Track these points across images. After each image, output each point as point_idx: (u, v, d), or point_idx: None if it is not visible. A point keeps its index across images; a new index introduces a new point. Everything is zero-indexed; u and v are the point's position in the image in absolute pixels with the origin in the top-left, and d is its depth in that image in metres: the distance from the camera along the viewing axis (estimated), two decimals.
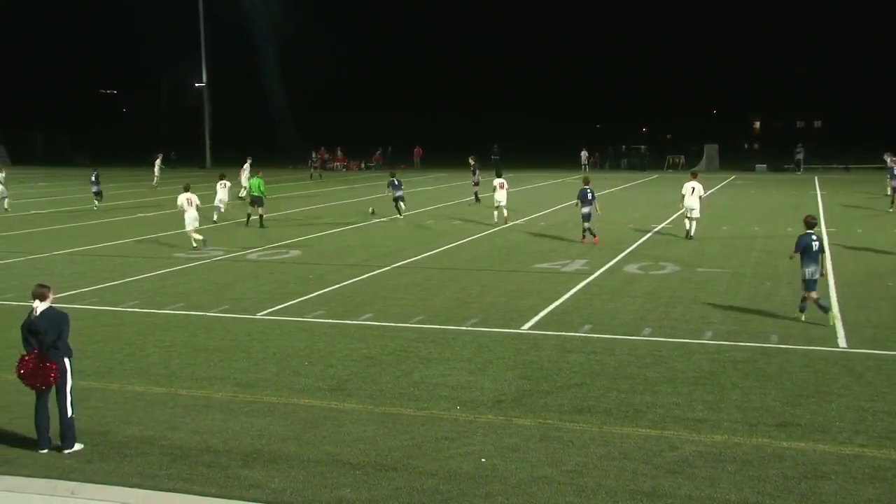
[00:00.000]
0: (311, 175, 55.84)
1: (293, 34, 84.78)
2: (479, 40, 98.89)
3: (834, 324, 13.23)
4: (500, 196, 27.98)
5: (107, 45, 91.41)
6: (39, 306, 8.47)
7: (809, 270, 13.32)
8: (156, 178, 46.87)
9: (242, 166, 37.08)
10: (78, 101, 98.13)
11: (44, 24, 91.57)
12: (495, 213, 28.32)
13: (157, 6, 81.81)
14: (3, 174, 35.71)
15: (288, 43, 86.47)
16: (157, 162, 47.67)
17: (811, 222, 13.72)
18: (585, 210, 23.07)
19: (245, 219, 28.00)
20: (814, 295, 13.39)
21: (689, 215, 23.60)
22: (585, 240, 22.91)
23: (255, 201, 27.40)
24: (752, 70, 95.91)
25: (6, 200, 34.22)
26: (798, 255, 13.43)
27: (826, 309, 13.38)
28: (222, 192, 30.11)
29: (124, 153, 73.39)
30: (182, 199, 22.86)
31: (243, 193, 34.53)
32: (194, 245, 22.52)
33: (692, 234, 23.60)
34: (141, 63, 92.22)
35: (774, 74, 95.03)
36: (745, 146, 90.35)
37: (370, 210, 31.02)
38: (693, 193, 23.43)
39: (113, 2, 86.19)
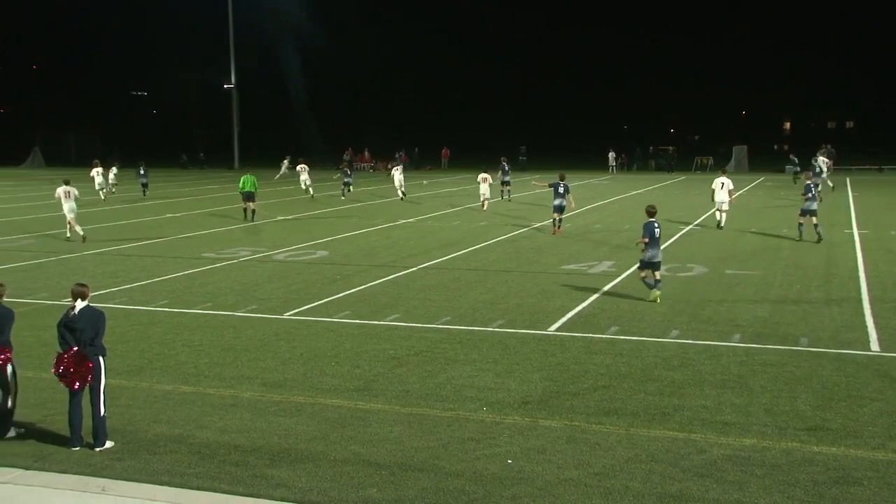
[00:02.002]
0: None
1: (315, 35, 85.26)
2: (505, 42, 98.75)
3: (653, 300, 14.93)
4: (485, 188, 32.29)
5: (136, 47, 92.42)
6: (79, 305, 8.60)
7: (652, 253, 15.16)
8: (280, 175, 53.71)
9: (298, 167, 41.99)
10: (108, 102, 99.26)
11: (74, 27, 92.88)
12: (484, 203, 32.41)
13: (186, 9, 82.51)
14: (115, 170, 43.52)
15: (309, 44, 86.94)
16: (286, 162, 55.11)
17: (652, 211, 15.49)
18: (557, 202, 25.08)
19: (243, 215, 30.15)
20: (657, 275, 15.25)
21: (719, 208, 25.73)
22: (559, 230, 25.22)
23: (248, 196, 29.82)
24: (782, 70, 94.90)
25: (103, 191, 39.35)
26: (645, 241, 15.14)
27: (651, 287, 15.22)
28: (304, 174, 39.73)
29: (155, 153, 74.17)
30: (60, 191, 24.95)
31: (305, 189, 40.31)
32: (68, 235, 24.67)
33: (722, 224, 25.72)
34: (169, 64, 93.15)
35: (805, 75, 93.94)
36: (775, 147, 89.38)
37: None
38: (723, 188, 25.57)
39: (141, 5, 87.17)
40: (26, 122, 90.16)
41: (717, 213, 25.93)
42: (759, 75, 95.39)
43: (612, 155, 61.30)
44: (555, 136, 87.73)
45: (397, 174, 38.96)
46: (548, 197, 39.00)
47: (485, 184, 32.35)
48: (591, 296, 15.79)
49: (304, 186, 39.87)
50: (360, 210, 34.01)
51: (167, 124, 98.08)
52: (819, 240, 22.48)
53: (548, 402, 9.82)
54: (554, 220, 25.35)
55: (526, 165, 64.51)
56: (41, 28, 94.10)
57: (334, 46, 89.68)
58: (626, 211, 32.13)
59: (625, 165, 65.18)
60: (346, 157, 61.29)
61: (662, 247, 22.12)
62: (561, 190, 25.02)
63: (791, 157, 52.13)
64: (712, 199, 26.01)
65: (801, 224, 23.14)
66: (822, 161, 39.35)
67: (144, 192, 41.41)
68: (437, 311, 14.66)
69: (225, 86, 70.89)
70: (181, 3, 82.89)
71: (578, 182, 49.30)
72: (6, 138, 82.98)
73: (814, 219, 22.71)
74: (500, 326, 13.50)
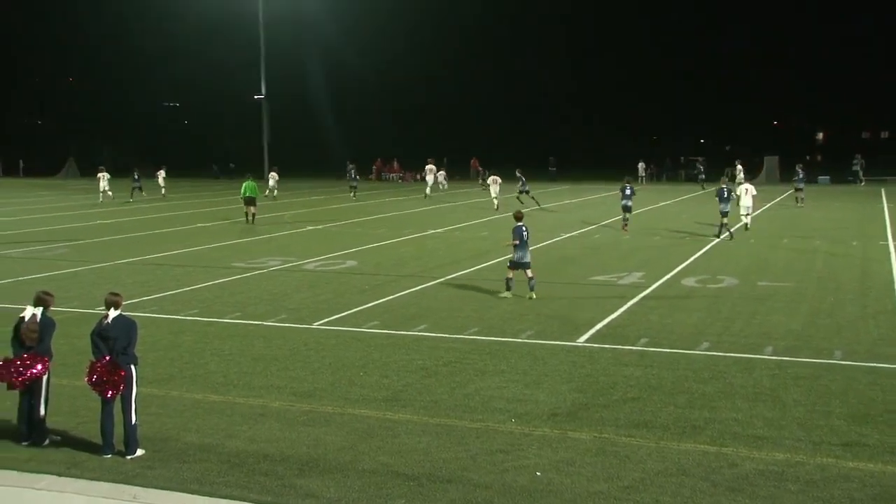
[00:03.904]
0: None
1: (343, 47, 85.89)
2: (530, 54, 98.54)
3: (503, 297, 16.47)
4: (495, 190, 36.85)
5: (165, 56, 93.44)
6: (112, 314, 8.70)
7: (520, 255, 16.64)
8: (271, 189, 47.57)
9: (269, 173, 48.36)
10: (140, 113, 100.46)
11: (105, 38, 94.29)
12: (494, 201, 36.73)
13: (215, 20, 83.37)
14: (164, 173, 48.81)
15: (337, 56, 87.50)
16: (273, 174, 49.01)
17: (519, 216, 17.08)
18: (623, 202, 28.70)
19: (244, 217, 32.59)
20: (509, 273, 16.75)
21: (744, 213, 27.74)
22: (625, 228, 28.33)
23: (249, 202, 32.30)
24: (815, 80, 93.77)
25: (106, 193, 44.03)
26: (517, 243, 16.56)
27: (509, 287, 16.66)
28: (272, 181, 46.01)
29: (186, 163, 74.99)
30: None
31: (266, 192, 45.27)
32: None
33: (748, 226, 27.97)
34: (199, 75, 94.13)
35: (838, 84, 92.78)
36: (808, 158, 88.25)
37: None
38: (747, 193, 27.78)
39: (170, 13, 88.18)
40: (61, 133, 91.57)
41: (743, 218, 27.80)
42: (792, 85, 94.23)
43: (641, 165, 60.77)
44: (583, 147, 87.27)
45: (430, 175, 45.91)
46: (577, 207, 39.10)
47: (495, 185, 36.69)
48: (620, 307, 15.70)
49: (267, 191, 45.56)
50: (389, 220, 34.11)
51: (199, 135, 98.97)
52: (719, 234, 26.04)
53: (577, 414, 9.77)
54: (623, 218, 28.73)
55: (556, 177, 64.26)
56: (74, 41, 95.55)
57: (363, 58, 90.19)
58: (656, 222, 31.92)
59: (654, 176, 64.70)
60: (349, 164, 62.36)
61: (692, 258, 22.29)
62: (628, 192, 28.66)
63: (697, 164, 57.50)
64: (738, 204, 27.52)
65: (723, 225, 26.04)
66: (739, 169, 45.79)
67: (133, 194, 45.95)
68: (466, 321, 14.65)
69: (255, 97, 71.44)
70: (212, 16, 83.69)
71: (606, 193, 49.11)
72: (42, 150, 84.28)
73: (725, 219, 25.91)
74: (528, 337, 13.47)
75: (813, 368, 11.52)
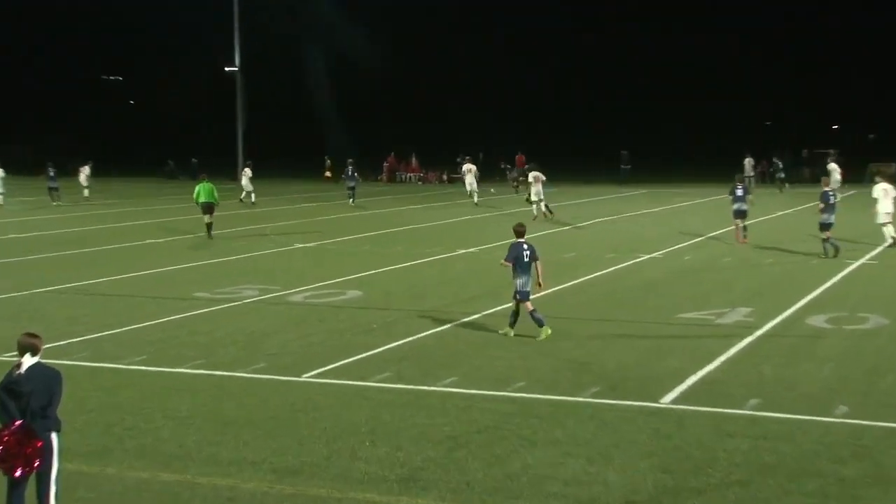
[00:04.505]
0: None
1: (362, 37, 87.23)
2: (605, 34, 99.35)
3: (545, 338, 16.46)
4: (537, 189, 38.01)
5: (105, 13, 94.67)
6: (27, 362, 8.67)
7: (521, 281, 16.84)
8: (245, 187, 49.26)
9: (243, 170, 50.65)
10: (72, 91, 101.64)
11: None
12: (534, 207, 38.04)
13: None
14: (88, 170, 51.75)
15: (346, 42, 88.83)
16: (247, 171, 50.07)
17: (520, 231, 17.34)
18: (736, 206, 29.84)
19: (206, 231, 33.33)
20: (529, 306, 16.85)
21: (883, 220, 28.38)
22: (744, 239, 29.60)
23: (206, 208, 33.45)
24: None
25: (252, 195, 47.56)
26: (510, 265, 16.91)
27: (541, 322, 16.74)
28: (245, 179, 47.89)
29: (131, 156, 75.80)
30: None
31: (243, 196, 48.18)
32: None
33: None
34: (151, 39, 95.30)
35: None
36: None
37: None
38: (887, 196, 28.17)
39: None
40: None
41: (886, 230, 28.33)
42: None
43: (748, 161, 60.02)
44: (674, 138, 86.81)
45: (468, 176, 47.43)
46: (661, 218, 38.93)
47: (537, 184, 38.07)
48: (720, 355, 15.58)
49: (243, 194, 48.13)
50: (405, 235, 34.17)
51: (150, 119, 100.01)
52: (836, 254, 26.19)
53: (661, 502, 9.67)
54: (736, 227, 29.93)
55: (629, 176, 64.01)
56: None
57: (370, 21, 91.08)
58: (771, 237, 31.68)
59: (766, 176, 64.06)
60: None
61: (821, 288, 22.14)
62: (739, 192, 29.84)
63: (774, 160, 59.84)
64: (876, 208, 28.31)
65: (824, 241, 26.62)
66: (832, 168, 46.40)
67: (52, 196, 48.38)
68: (508, 373, 14.60)
69: (226, 69, 72.18)
70: None
71: (701, 200, 48.98)
72: None
73: (826, 232, 26.59)
74: (593, 396, 13.40)
75: None
